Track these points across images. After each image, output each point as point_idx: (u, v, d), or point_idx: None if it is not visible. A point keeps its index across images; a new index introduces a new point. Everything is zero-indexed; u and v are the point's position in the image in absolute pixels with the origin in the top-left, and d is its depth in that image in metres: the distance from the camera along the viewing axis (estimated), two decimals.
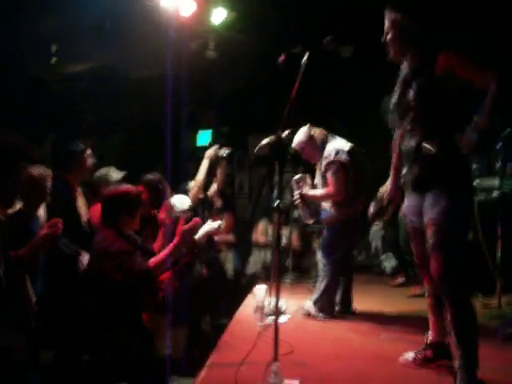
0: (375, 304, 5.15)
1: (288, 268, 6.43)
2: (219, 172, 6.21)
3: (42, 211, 3.90)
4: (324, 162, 4.58)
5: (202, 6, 6.13)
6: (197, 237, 5.36)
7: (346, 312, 4.80)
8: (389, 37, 3.21)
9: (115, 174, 5.02)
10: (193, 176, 5.93)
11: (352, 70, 7.31)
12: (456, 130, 2.93)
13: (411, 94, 3.07)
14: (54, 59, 6.14)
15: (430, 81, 3.02)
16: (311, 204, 4.77)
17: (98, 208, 4.22)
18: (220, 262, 6.05)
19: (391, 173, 3.55)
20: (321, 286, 4.66)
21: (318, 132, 4.73)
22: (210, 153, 6.08)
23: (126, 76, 7.67)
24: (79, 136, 5.31)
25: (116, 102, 7.77)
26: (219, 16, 6.42)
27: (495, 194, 5.51)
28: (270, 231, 6.93)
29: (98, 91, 7.61)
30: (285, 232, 6.71)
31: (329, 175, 4.54)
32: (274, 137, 3.23)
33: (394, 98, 3.25)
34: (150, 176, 5.00)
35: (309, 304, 4.69)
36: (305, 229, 7.72)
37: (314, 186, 4.80)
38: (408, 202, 3.28)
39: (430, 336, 3.43)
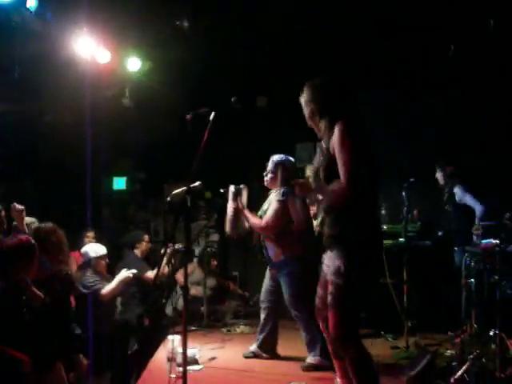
0: (293, 349, 5.04)
1: (203, 315, 6.40)
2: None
3: None
4: (276, 197, 4.64)
5: (117, 55, 6.19)
6: (110, 287, 5.34)
7: (266, 355, 4.83)
8: (306, 115, 3.39)
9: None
10: (105, 219, 5.95)
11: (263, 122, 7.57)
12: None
13: (320, 169, 3.28)
14: None
15: (329, 160, 3.17)
16: (239, 222, 4.80)
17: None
18: None
19: None
20: (307, 338, 4.58)
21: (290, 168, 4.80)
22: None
23: (37, 120, 7.56)
24: None
25: (27, 146, 7.61)
26: (135, 65, 6.49)
27: (401, 239, 5.80)
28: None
29: (8, 135, 7.43)
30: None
31: (271, 209, 4.62)
32: (186, 187, 3.28)
33: (315, 164, 3.42)
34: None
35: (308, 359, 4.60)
36: (220, 274, 7.77)
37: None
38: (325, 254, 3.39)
39: (338, 382, 3.48)
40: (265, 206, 4.82)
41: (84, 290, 5.05)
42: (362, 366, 3.13)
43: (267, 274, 4.95)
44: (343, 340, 3.12)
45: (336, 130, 3.12)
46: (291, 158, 4.86)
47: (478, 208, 5.68)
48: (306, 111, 3.38)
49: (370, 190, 3.20)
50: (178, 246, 5.12)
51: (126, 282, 5.41)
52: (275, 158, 4.77)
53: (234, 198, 4.76)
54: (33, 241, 3.52)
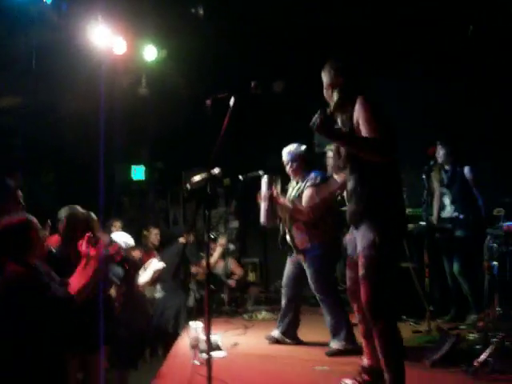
0: (314, 334, 5.11)
1: (224, 302, 6.43)
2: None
3: None
4: (308, 183, 4.68)
5: (133, 44, 6.18)
6: (146, 278, 5.39)
7: (289, 340, 4.85)
8: (325, 93, 3.46)
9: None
10: (126, 209, 5.98)
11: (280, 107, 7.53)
12: (381, 169, 3.16)
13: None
14: None
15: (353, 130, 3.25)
16: (274, 209, 4.71)
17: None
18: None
19: None
20: (332, 322, 4.60)
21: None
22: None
23: (54, 111, 7.59)
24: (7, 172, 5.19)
25: (45, 137, 7.66)
26: (151, 53, 6.48)
27: (422, 223, 5.74)
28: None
29: (26, 127, 7.48)
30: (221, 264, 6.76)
31: (306, 195, 4.62)
32: (206, 173, 3.28)
33: (334, 146, 3.48)
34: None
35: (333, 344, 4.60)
36: (240, 261, 7.79)
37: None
38: (348, 235, 3.52)
39: (365, 361, 3.55)
40: (291, 194, 4.83)
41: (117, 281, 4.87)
42: (391, 340, 3.16)
43: (288, 260, 4.96)
44: (375, 312, 3.16)
45: (359, 104, 3.20)
46: (302, 146, 4.91)
47: (482, 199, 5.55)
48: (324, 83, 3.46)
49: (390, 169, 3.24)
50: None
51: (158, 273, 5.49)
52: (292, 149, 4.84)
53: (268, 186, 4.65)
54: (28, 218, 3.38)
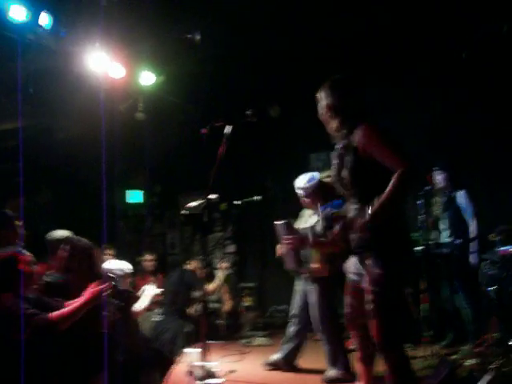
0: (311, 361, 5.07)
1: (219, 327, 6.39)
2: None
3: None
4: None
5: (130, 70, 6.23)
6: (142, 304, 5.35)
7: (289, 366, 4.85)
8: (322, 115, 3.34)
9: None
10: (122, 234, 5.98)
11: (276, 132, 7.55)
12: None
13: (344, 171, 3.20)
14: None
15: (356, 160, 3.13)
16: (299, 252, 4.61)
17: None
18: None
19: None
20: (330, 351, 4.57)
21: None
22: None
23: (51, 135, 7.63)
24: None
25: (42, 159, 7.67)
26: (148, 79, 6.53)
27: (418, 248, 5.73)
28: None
29: (24, 150, 7.49)
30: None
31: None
32: (203, 200, 3.28)
33: (333, 171, 3.35)
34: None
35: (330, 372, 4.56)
36: (236, 286, 7.76)
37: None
38: (350, 260, 3.39)
39: None
40: (301, 225, 4.75)
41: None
42: (403, 370, 3.12)
43: (298, 288, 4.95)
44: (387, 347, 3.12)
45: (365, 133, 3.08)
46: (314, 177, 4.70)
47: (476, 222, 5.50)
48: (321, 107, 3.33)
49: None
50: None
51: (154, 300, 5.46)
52: (302, 183, 4.62)
53: (286, 232, 4.41)
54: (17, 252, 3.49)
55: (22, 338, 3.18)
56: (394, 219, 3.13)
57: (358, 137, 3.11)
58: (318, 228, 4.35)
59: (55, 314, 3.33)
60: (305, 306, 4.84)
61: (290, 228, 4.44)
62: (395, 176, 2.93)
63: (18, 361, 3.17)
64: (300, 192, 4.66)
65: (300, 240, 4.34)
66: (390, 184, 2.95)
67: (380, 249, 3.12)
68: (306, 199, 4.67)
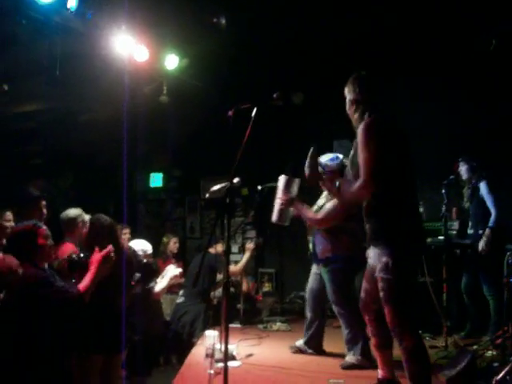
0: (330, 346, 5.05)
1: (239, 312, 6.42)
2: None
3: None
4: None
5: (155, 53, 6.23)
6: (162, 285, 5.40)
7: (311, 350, 4.87)
8: (348, 109, 3.53)
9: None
10: (142, 217, 6.04)
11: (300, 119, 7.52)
12: (394, 188, 3.26)
13: (355, 159, 3.40)
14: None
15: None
16: (287, 212, 4.58)
17: (66, 248, 4.37)
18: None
19: None
20: (348, 336, 4.55)
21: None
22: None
23: (76, 118, 7.68)
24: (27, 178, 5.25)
25: (64, 143, 7.75)
26: (172, 62, 6.53)
27: (440, 237, 5.70)
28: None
29: (46, 132, 7.58)
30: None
31: (331, 204, 4.50)
32: (226, 183, 3.28)
33: (350, 158, 3.55)
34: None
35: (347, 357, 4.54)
36: (256, 271, 7.79)
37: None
38: (369, 250, 3.47)
39: (379, 373, 3.57)
40: (320, 202, 4.79)
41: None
42: (418, 356, 3.19)
43: (312, 272, 4.96)
44: (401, 332, 3.19)
45: (359, 129, 3.28)
46: (338, 158, 4.68)
47: (495, 213, 5.48)
48: (347, 99, 3.52)
49: (402, 187, 3.31)
50: None
51: (175, 281, 5.54)
52: (324, 160, 4.61)
53: (285, 189, 4.50)
54: (36, 225, 3.54)
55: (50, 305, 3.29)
56: (403, 209, 3.27)
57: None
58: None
59: (81, 285, 3.43)
60: (316, 289, 4.86)
61: (289, 185, 4.51)
62: (355, 183, 3.26)
63: (42, 334, 3.29)
64: (320, 169, 4.56)
65: (292, 203, 4.49)
66: (350, 188, 3.33)
67: (388, 237, 3.24)
68: (324, 177, 4.57)
